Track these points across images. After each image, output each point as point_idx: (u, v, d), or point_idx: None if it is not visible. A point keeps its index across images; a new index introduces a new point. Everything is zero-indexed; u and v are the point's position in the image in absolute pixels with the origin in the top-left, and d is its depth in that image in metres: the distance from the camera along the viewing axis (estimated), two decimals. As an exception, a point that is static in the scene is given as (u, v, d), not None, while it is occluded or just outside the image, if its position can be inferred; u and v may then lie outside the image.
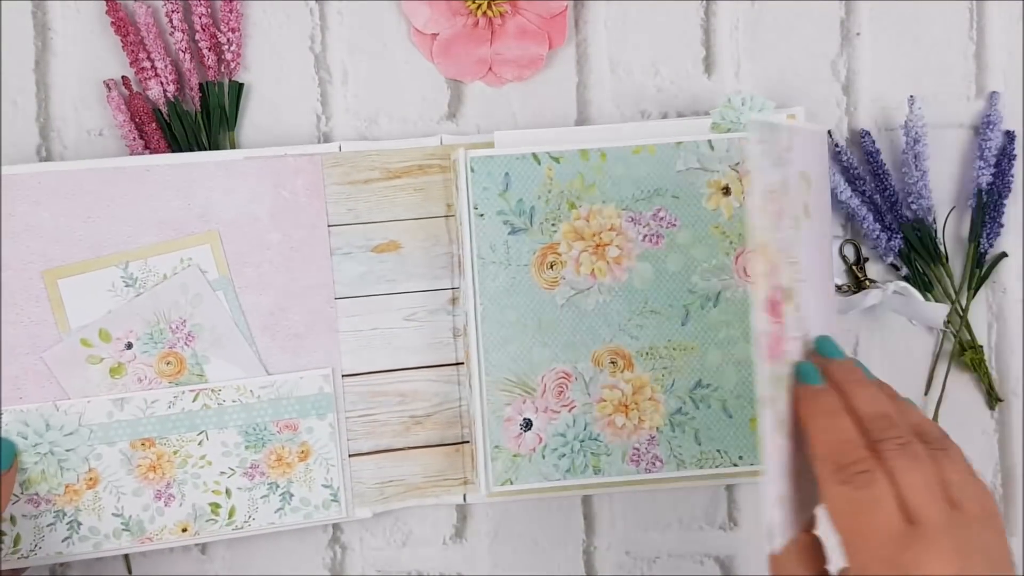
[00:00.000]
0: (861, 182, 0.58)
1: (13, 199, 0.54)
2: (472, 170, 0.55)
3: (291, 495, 0.56)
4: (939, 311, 0.58)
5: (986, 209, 0.58)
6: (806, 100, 0.59)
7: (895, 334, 0.60)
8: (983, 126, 0.58)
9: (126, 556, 0.58)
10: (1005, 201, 0.58)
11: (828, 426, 0.44)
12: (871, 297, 0.58)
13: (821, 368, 0.47)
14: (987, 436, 0.61)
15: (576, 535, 0.61)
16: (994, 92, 0.59)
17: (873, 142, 0.58)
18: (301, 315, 0.56)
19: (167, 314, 0.55)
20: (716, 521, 0.61)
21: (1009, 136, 0.58)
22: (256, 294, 0.56)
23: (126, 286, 0.54)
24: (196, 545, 0.59)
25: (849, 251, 0.59)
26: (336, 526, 0.59)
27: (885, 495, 0.41)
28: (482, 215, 0.55)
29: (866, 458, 0.42)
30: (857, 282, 0.59)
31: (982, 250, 0.59)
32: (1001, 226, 0.58)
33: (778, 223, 0.43)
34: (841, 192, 0.57)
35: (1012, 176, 0.58)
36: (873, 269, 0.60)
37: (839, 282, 0.59)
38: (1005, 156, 0.58)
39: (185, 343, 0.55)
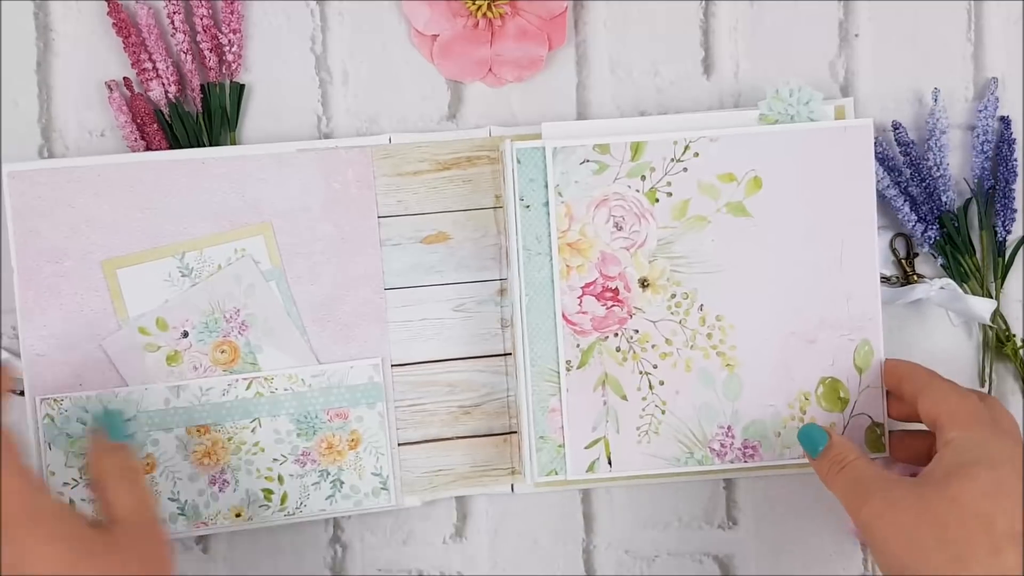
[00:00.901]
0: (896, 173, 0.59)
1: (74, 191, 0.55)
2: (518, 161, 0.56)
3: (342, 482, 0.57)
4: (987, 306, 0.58)
5: (996, 196, 0.59)
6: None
7: (928, 325, 0.61)
8: (982, 115, 0.59)
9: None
10: (1013, 187, 0.59)
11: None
12: (918, 291, 0.58)
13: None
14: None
15: (576, 534, 0.61)
16: (993, 78, 0.60)
17: (906, 133, 0.59)
18: (351, 305, 0.57)
19: (222, 304, 0.56)
20: (715, 520, 0.61)
21: (1005, 122, 0.59)
22: (307, 284, 0.57)
23: (182, 276, 0.56)
24: (198, 544, 0.59)
25: (900, 244, 0.60)
26: (337, 524, 0.60)
27: None
28: (528, 206, 0.56)
29: None
30: (905, 276, 0.60)
31: (1000, 238, 0.59)
32: (1015, 211, 0.59)
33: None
34: (878, 182, 0.58)
35: (1015, 160, 0.59)
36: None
37: (887, 273, 0.59)
38: (1004, 142, 0.59)
39: (239, 332, 0.56)
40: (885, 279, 0.59)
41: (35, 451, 0.55)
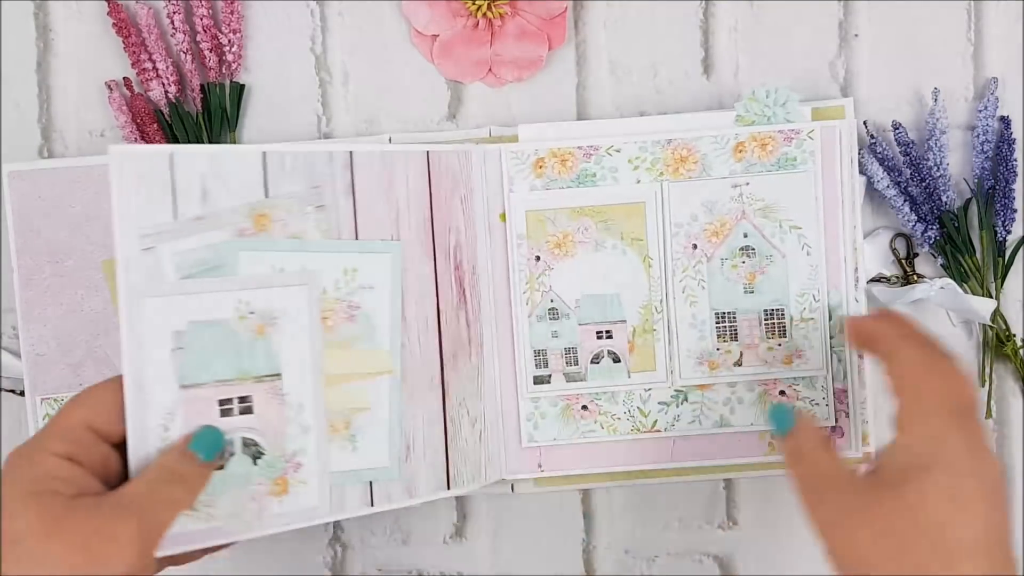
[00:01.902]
0: (896, 173, 0.59)
1: (74, 191, 0.55)
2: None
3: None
4: (987, 306, 0.58)
5: (996, 196, 0.59)
6: (804, 101, 0.60)
7: (928, 325, 0.60)
8: (982, 115, 0.59)
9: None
10: (1013, 187, 0.59)
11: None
12: (917, 292, 0.58)
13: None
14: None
15: (576, 534, 0.61)
16: (993, 78, 0.60)
17: (906, 133, 0.59)
18: (351, 305, 0.57)
19: (222, 303, 0.56)
20: (715, 520, 0.61)
21: (1005, 122, 0.59)
22: (308, 284, 0.57)
23: (182, 276, 0.56)
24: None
25: (900, 244, 0.60)
26: (337, 524, 0.60)
27: None
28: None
29: None
30: (905, 276, 0.60)
31: (1000, 238, 0.59)
32: (1015, 211, 0.59)
33: None
34: (878, 182, 0.58)
35: (1015, 160, 0.59)
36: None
37: (887, 273, 0.59)
38: (1004, 141, 0.59)
39: (239, 332, 0.56)
40: (885, 279, 0.59)
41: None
